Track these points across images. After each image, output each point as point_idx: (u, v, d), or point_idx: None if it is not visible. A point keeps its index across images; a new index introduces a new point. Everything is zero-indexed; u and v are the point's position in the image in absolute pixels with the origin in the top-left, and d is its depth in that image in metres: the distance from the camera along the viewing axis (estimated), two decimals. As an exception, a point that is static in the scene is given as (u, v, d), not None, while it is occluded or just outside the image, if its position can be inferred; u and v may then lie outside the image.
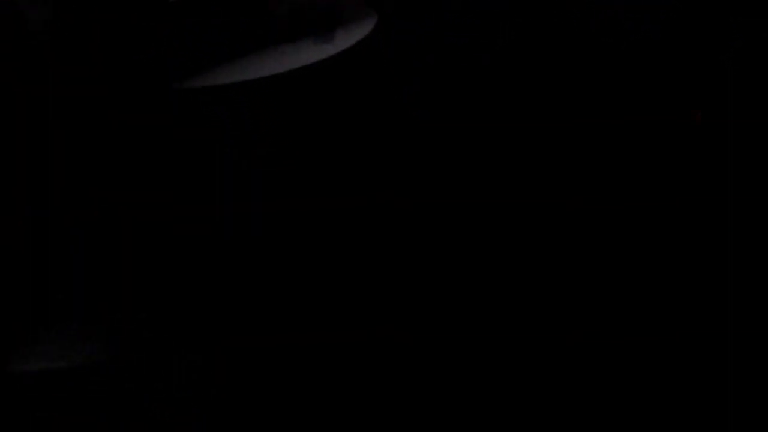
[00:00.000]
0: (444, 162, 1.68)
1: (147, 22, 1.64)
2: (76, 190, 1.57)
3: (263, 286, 1.48)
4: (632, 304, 1.46)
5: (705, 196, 1.62)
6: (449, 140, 1.71)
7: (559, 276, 1.50)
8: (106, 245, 1.52)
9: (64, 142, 1.61)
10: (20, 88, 1.59)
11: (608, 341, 1.40)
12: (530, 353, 1.39)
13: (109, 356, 1.35)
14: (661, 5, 1.90)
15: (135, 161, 1.61)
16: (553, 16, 1.90)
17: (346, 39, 1.70)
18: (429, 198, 1.62)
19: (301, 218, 1.57)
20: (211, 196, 1.60)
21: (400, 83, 1.80)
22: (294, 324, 1.44)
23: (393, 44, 1.84)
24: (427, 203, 1.61)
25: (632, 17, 1.90)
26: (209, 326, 1.43)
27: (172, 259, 1.51)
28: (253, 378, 1.36)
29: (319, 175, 1.64)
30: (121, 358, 1.37)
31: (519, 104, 1.78)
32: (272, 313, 1.45)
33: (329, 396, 1.34)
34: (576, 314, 1.45)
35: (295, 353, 1.39)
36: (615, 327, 1.43)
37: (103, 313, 1.43)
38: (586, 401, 1.34)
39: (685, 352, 1.39)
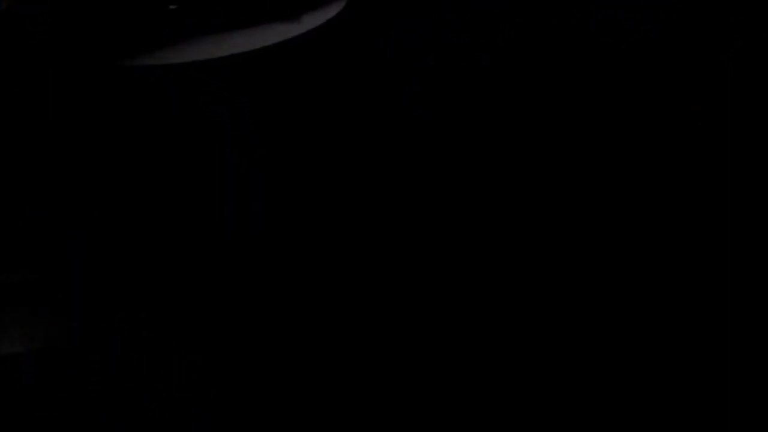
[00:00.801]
0: (444, 162, 1.68)
1: (146, 22, 1.64)
2: (76, 190, 1.57)
3: (263, 286, 1.48)
4: (632, 304, 1.46)
5: (705, 196, 1.62)
6: (449, 140, 1.71)
7: (559, 276, 1.50)
8: (106, 245, 1.52)
9: (64, 142, 1.61)
10: (20, 88, 1.59)
11: (608, 341, 1.40)
12: (530, 353, 1.39)
13: (69, 340, 1.35)
14: (661, 5, 1.90)
15: (135, 161, 1.61)
16: (553, 16, 1.90)
17: (313, 19, 1.68)
18: (429, 198, 1.62)
19: (301, 218, 1.57)
20: (211, 196, 1.60)
21: (400, 83, 1.80)
22: (294, 324, 1.44)
23: (393, 44, 1.84)
24: (427, 203, 1.61)
25: (632, 17, 1.90)
26: (209, 326, 1.43)
27: (172, 259, 1.51)
28: (253, 378, 1.36)
29: (319, 175, 1.64)
30: (120, 357, 1.37)
31: (519, 104, 1.78)
32: (272, 313, 1.45)
33: (329, 396, 1.34)
34: (576, 314, 1.45)
35: (295, 353, 1.39)
36: (615, 327, 1.43)
37: (103, 313, 1.43)
38: (586, 401, 1.34)
39: (685, 352, 1.39)
